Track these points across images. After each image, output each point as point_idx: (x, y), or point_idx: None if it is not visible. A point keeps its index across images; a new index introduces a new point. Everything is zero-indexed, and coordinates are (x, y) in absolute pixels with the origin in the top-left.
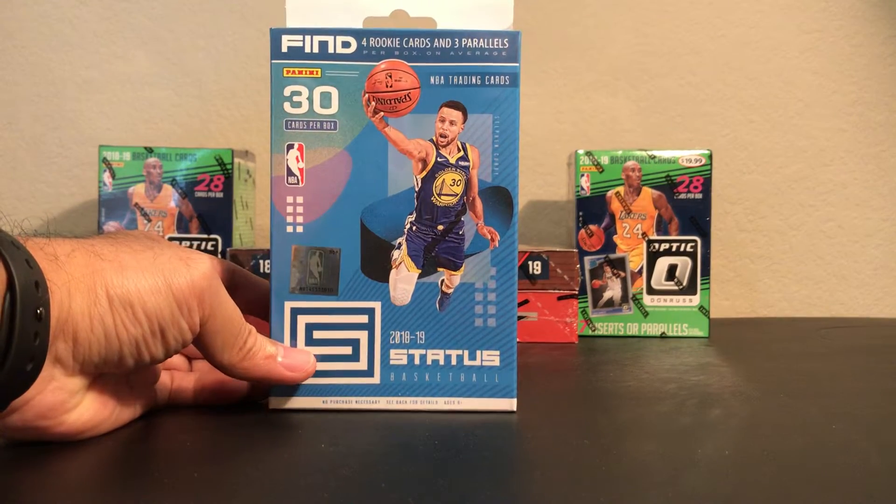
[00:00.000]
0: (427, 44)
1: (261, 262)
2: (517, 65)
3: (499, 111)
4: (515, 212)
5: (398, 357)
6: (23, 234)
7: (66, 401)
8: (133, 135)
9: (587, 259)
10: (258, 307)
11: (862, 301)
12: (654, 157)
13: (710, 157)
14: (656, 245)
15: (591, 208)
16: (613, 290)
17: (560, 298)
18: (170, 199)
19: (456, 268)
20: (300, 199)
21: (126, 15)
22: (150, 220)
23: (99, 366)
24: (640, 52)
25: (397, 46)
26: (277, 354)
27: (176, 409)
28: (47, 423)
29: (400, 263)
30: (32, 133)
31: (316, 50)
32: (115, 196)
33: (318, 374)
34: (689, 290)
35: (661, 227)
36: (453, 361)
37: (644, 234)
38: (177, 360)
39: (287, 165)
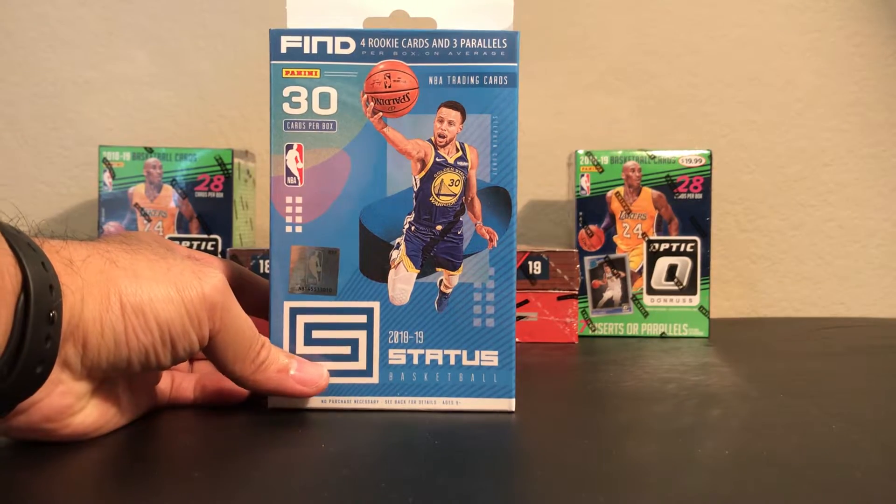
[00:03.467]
0: (425, 44)
1: (260, 262)
2: (516, 65)
3: (497, 111)
4: (514, 212)
5: (397, 357)
6: (40, 235)
7: (72, 404)
8: (133, 135)
9: (587, 259)
10: (261, 308)
11: (862, 301)
12: (654, 157)
13: (710, 157)
14: (656, 245)
15: (591, 208)
16: (613, 291)
17: (560, 298)
18: (170, 199)
19: (454, 268)
20: (299, 200)
21: (126, 15)
22: (150, 220)
23: (107, 371)
24: (640, 52)
25: (396, 47)
26: (290, 368)
27: (176, 409)
28: (52, 425)
29: (399, 263)
30: (32, 133)
31: (315, 51)
32: (116, 196)
33: None
34: (689, 290)
35: (661, 227)
36: (452, 361)
37: (644, 235)
38: None
39: (286, 166)
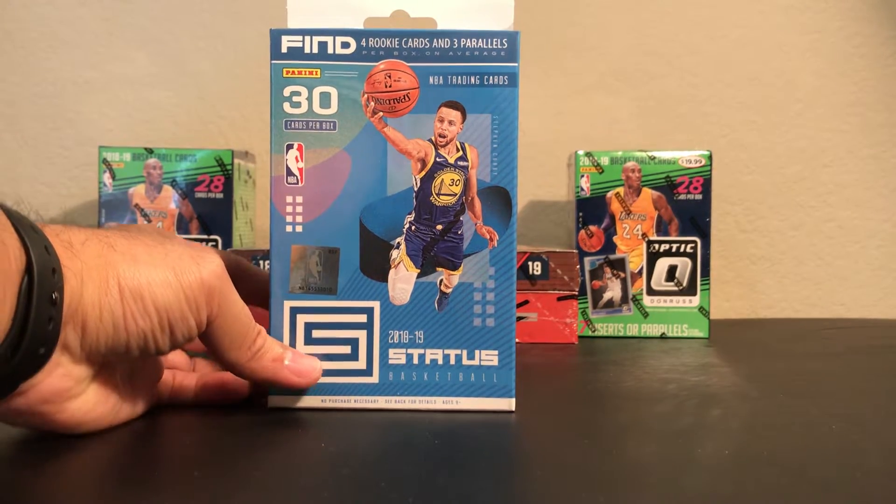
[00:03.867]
0: (426, 44)
1: (261, 262)
2: (516, 65)
3: (498, 111)
4: (514, 212)
5: (397, 356)
6: (39, 220)
7: (70, 388)
8: (133, 135)
9: (587, 260)
10: (260, 298)
11: (862, 302)
12: (654, 157)
13: (710, 157)
14: (656, 246)
15: (591, 209)
16: (613, 291)
17: (560, 299)
18: (170, 199)
19: (455, 267)
20: (300, 199)
21: (126, 16)
22: (150, 221)
23: (105, 355)
24: (640, 52)
25: (396, 47)
26: (285, 358)
27: (176, 408)
28: (50, 408)
29: (399, 263)
30: (32, 133)
31: (315, 50)
32: (116, 197)
33: None
34: (689, 290)
35: (661, 227)
36: (452, 361)
37: (644, 235)
38: (179, 358)
39: (287, 165)
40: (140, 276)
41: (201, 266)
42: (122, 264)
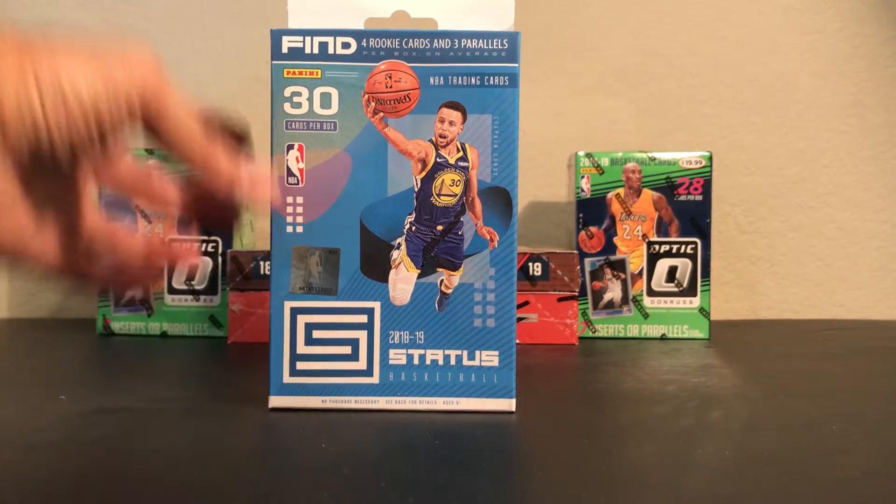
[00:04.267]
0: (426, 44)
1: (261, 263)
2: (516, 65)
3: (498, 112)
4: (515, 212)
5: (397, 357)
6: None
7: None
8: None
9: (587, 261)
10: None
11: (862, 303)
12: (655, 158)
13: (710, 158)
14: (656, 247)
15: (592, 210)
16: (614, 292)
17: (560, 300)
18: None
19: (455, 268)
20: (300, 200)
21: (126, 16)
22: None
23: (30, 155)
24: (640, 53)
25: (397, 47)
26: (240, 165)
27: (175, 409)
28: None
29: (399, 263)
30: None
31: (316, 51)
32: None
33: (318, 373)
34: (690, 291)
35: (662, 228)
36: (452, 361)
37: (644, 236)
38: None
39: (287, 166)
40: (59, 67)
41: (129, 53)
42: (38, 56)
